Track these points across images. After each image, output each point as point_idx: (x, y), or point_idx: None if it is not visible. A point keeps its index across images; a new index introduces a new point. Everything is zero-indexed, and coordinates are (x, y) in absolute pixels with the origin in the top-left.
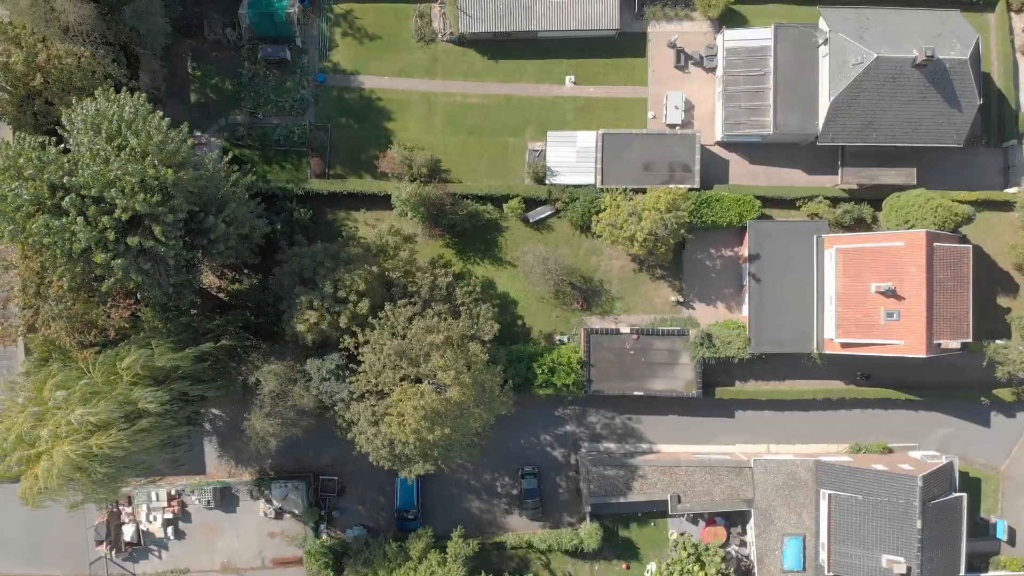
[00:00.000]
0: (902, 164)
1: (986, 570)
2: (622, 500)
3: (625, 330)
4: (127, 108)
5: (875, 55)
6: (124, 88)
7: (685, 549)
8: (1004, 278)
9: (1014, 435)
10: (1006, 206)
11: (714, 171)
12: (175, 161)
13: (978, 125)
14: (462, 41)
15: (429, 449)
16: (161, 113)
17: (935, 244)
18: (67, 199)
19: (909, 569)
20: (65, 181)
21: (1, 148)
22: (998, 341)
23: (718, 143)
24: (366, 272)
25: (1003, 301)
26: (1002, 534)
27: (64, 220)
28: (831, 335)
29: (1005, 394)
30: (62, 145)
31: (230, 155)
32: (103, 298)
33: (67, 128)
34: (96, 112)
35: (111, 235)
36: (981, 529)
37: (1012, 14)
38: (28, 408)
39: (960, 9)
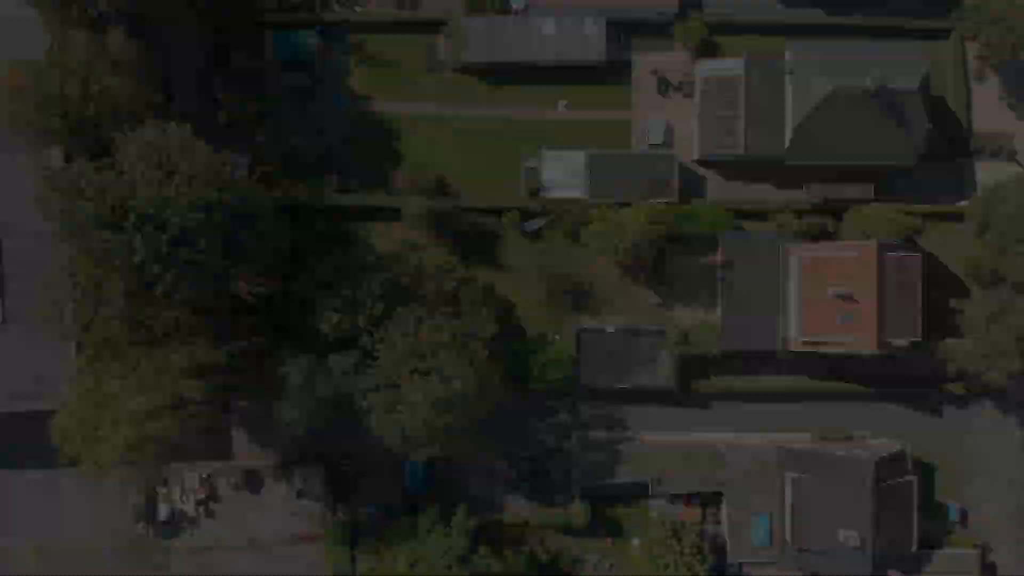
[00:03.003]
0: (862, 180)
1: (940, 548)
2: (608, 482)
3: (611, 329)
4: (175, 138)
5: (833, 85)
6: (162, 113)
7: (664, 526)
8: (957, 282)
9: (964, 425)
10: (959, 218)
11: (692, 186)
12: (217, 183)
13: (934, 143)
14: (465, 69)
15: (436, 434)
16: (203, 140)
17: (887, 253)
18: (130, 219)
19: (863, 543)
20: (126, 204)
21: (63, 171)
22: (949, 340)
23: (696, 161)
24: (381, 278)
25: (956, 303)
26: (955, 516)
27: (125, 237)
28: (795, 334)
29: (956, 388)
30: (116, 168)
31: (258, 172)
32: (152, 301)
33: (120, 155)
34: (147, 142)
35: (163, 249)
36: (936, 511)
37: (967, 42)
38: (90, 397)
39: (919, 37)
